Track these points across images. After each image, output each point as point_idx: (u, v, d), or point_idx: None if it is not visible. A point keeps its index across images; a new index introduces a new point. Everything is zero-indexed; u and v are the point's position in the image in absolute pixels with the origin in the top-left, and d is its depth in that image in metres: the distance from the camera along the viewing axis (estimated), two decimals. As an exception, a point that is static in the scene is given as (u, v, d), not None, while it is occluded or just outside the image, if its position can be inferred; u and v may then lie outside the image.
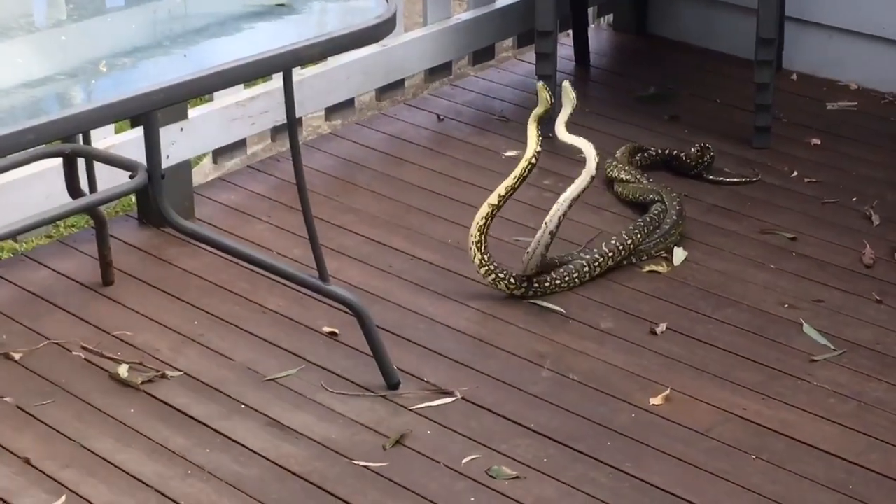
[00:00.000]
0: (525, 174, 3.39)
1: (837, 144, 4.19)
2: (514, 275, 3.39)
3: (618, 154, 3.99)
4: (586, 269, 3.46)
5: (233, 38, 2.81)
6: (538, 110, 3.41)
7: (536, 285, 3.40)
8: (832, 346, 3.23)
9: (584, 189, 3.38)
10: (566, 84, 3.44)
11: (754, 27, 4.06)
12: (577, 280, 3.45)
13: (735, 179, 3.97)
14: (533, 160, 3.37)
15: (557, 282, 3.43)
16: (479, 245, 3.38)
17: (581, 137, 3.42)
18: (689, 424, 2.98)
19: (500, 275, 3.39)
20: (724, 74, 4.62)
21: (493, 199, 3.40)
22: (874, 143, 4.19)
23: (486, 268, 3.38)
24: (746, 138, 4.17)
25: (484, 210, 3.39)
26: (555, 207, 3.38)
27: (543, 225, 3.37)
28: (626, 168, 3.89)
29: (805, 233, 3.71)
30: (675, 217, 3.64)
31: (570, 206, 3.38)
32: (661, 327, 3.29)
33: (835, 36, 4.56)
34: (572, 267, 3.46)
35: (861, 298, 3.42)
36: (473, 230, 3.38)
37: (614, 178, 3.89)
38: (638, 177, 3.85)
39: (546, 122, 3.46)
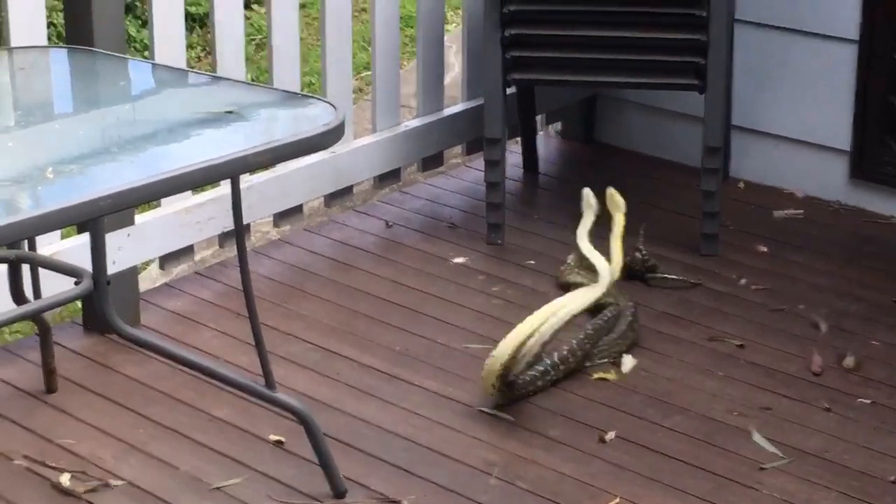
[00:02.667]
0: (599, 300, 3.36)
1: (785, 252, 4.21)
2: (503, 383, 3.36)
3: (569, 260, 4.00)
4: (538, 378, 3.44)
5: (181, 145, 2.81)
6: (589, 221, 3.35)
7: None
8: (781, 454, 3.22)
9: (588, 305, 3.34)
10: (587, 191, 3.41)
11: (701, 135, 4.10)
12: (530, 389, 3.43)
13: (674, 277, 3.99)
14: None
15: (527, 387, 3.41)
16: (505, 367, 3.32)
17: (598, 254, 3.37)
18: (639, 534, 2.97)
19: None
20: (672, 182, 4.65)
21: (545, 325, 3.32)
22: (821, 251, 4.22)
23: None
24: (694, 246, 4.19)
25: (525, 331, 3.31)
26: (550, 320, 3.32)
27: (538, 334, 3.33)
28: (581, 272, 3.90)
29: (753, 340, 3.71)
30: (630, 319, 3.64)
31: (568, 320, 3.35)
32: (611, 435, 3.28)
33: (781, 145, 4.61)
34: (527, 377, 3.44)
35: (810, 406, 3.42)
36: (510, 348, 3.28)
37: (570, 283, 3.89)
38: (593, 280, 3.87)
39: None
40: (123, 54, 3.44)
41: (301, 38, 4.21)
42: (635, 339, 3.66)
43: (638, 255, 4.01)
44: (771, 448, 3.25)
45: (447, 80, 4.69)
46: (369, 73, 4.58)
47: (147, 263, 4.69)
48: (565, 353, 3.50)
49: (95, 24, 3.48)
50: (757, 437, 3.28)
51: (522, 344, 3.30)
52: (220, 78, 3.43)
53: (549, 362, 3.47)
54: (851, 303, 3.92)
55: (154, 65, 3.44)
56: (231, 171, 2.69)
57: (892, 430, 3.33)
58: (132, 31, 6.87)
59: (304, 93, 3.76)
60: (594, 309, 3.73)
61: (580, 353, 3.51)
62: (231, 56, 3.95)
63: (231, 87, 3.23)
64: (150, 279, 4.25)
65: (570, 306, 3.35)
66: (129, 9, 6.80)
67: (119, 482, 3.09)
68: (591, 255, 3.37)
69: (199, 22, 7.27)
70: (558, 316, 3.33)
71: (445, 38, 4.63)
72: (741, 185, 4.64)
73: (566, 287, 3.91)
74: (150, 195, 2.60)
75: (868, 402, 3.44)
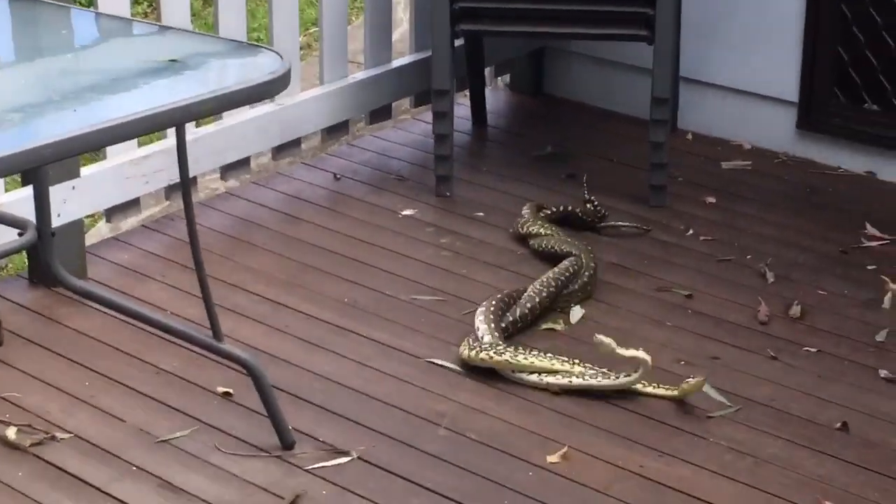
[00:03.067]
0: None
1: (732, 203, 4.22)
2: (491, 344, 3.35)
3: (525, 211, 3.99)
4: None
5: (125, 95, 2.77)
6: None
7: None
8: (728, 403, 3.24)
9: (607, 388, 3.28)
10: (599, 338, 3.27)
11: (649, 87, 4.10)
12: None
13: (626, 224, 4.00)
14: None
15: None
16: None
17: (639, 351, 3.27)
18: (587, 482, 2.97)
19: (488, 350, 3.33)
20: (621, 134, 4.65)
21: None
22: (768, 202, 4.24)
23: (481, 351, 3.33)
24: (643, 197, 4.19)
25: None
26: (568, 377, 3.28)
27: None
28: (540, 222, 3.90)
29: (701, 290, 3.72)
30: (589, 274, 3.66)
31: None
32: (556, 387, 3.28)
33: (728, 96, 4.61)
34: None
35: (756, 355, 3.44)
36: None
37: (529, 234, 3.89)
38: (555, 230, 3.87)
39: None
40: (65, 3, 3.40)
41: (249, -7, 4.18)
42: (590, 294, 3.66)
43: (589, 206, 4.02)
44: (719, 397, 3.26)
45: (395, 35, 4.66)
46: (317, 29, 4.54)
47: (95, 220, 4.65)
48: (527, 310, 3.49)
49: (37, -28, 3.44)
50: (705, 386, 3.29)
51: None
52: (165, 27, 3.39)
53: (510, 319, 3.46)
54: (799, 253, 3.93)
55: (97, 14, 3.40)
56: (176, 119, 2.66)
57: (837, 378, 3.35)
58: (77, -15, 6.79)
59: (250, 41, 3.74)
60: (550, 259, 3.75)
61: (539, 310, 3.51)
62: (177, 9, 3.91)
63: (176, 36, 3.20)
64: (98, 236, 4.21)
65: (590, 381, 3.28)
66: (73, -38, 6.72)
67: (66, 435, 3.07)
68: (632, 354, 3.24)
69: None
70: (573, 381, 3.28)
71: (394, -8, 4.61)
72: (689, 136, 4.65)
73: (524, 238, 3.91)
74: (93, 144, 2.57)
75: (814, 350, 3.46)
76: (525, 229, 3.93)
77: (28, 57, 3.02)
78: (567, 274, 3.62)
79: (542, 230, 3.89)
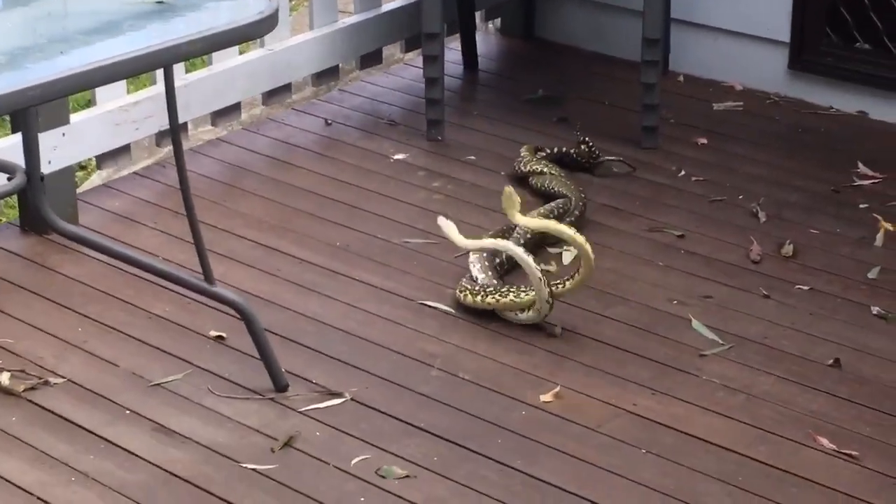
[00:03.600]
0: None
1: (724, 144, 4.21)
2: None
3: (523, 152, 3.99)
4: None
5: (113, 37, 2.75)
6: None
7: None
8: (721, 341, 3.24)
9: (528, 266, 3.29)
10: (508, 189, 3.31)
11: (640, 29, 4.08)
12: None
13: (619, 160, 4.03)
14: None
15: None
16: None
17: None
18: (580, 421, 2.97)
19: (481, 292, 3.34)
20: (612, 77, 4.64)
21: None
22: (760, 143, 4.23)
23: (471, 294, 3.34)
24: (635, 139, 4.18)
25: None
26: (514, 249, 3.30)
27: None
28: (543, 162, 3.90)
29: (693, 230, 3.72)
30: (576, 214, 3.67)
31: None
32: (558, 329, 3.28)
33: (720, 37, 4.60)
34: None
35: (748, 294, 3.44)
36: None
37: (532, 172, 3.90)
38: (557, 170, 3.89)
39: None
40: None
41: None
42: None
43: (584, 147, 4.00)
44: (711, 335, 3.26)
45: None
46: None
47: (89, 173, 4.64)
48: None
49: (23, -83, 3.41)
50: (697, 325, 3.29)
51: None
52: (152, -29, 3.36)
53: (498, 261, 3.47)
54: (790, 192, 3.93)
55: (84, -42, 3.37)
56: (164, 60, 2.65)
57: (829, 316, 3.35)
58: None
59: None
60: (547, 198, 3.75)
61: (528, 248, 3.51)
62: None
63: (163, -21, 3.17)
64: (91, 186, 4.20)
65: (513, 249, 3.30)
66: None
67: (59, 380, 3.08)
68: (523, 259, 3.28)
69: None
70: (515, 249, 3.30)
71: (385, -63, 4.58)
72: (680, 78, 4.63)
73: (524, 178, 3.90)
74: (80, 85, 2.55)
75: (806, 288, 3.46)
76: (528, 167, 3.92)
77: (14, 1, 3.00)
78: (554, 214, 3.62)
79: (544, 168, 3.89)
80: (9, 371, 3.09)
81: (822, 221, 3.77)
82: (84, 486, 2.76)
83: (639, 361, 3.18)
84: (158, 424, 2.94)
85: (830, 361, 3.17)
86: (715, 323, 3.31)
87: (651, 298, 3.41)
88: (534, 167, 3.92)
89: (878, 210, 3.79)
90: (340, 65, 4.48)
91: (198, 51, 2.69)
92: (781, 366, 3.16)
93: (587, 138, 4.02)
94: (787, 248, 3.62)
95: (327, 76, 4.45)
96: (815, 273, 3.53)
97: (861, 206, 3.84)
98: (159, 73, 3.70)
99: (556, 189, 3.80)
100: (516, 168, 3.95)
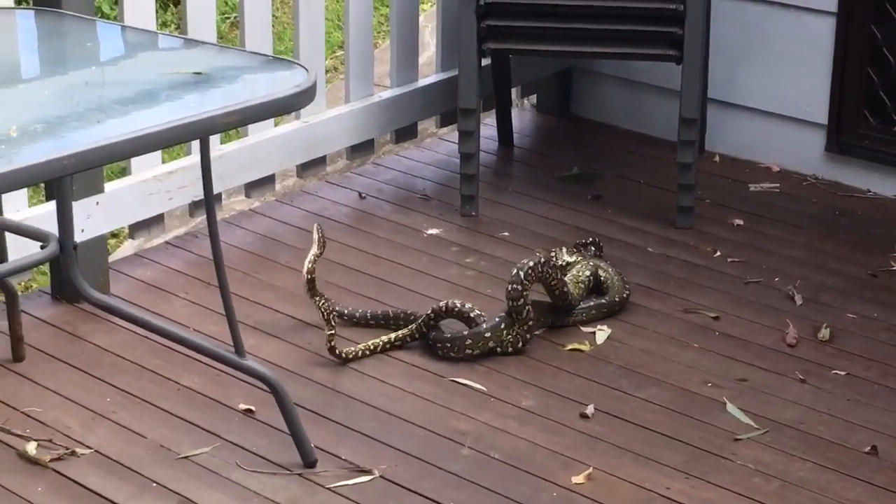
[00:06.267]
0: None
1: (760, 225, 4.18)
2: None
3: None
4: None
5: (150, 107, 2.76)
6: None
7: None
8: (756, 426, 3.20)
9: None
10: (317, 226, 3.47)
11: (677, 109, 4.07)
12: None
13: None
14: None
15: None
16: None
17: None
18: (612, 504, 2.94)
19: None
20: (648, 155, 4.62)
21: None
22: (796, 225, 4.20)
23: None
24: (669, 218, 4.16)
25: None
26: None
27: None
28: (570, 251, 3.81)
29: (728, 312, 3.68)
30: (617, 297, 3.65)
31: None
32: (590, 409, 3.24)
33: (757, 118, 4.58)
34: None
35: (784, 378, 3.40)
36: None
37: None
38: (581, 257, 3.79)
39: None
40: (91, 17, 3.39)
41: (276, 17, 4.16)
42: (612, 311, 3.63)
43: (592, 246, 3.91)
44: (746, 419, 3.22)
45: (422, 59, 4.64)
46: (343, 52, 4.53)
47: (121, 241, 4.64)
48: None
49: (63, -14, 3.43)
50: (732, 409, 3.25)
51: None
52: (190, 40, 3.37)
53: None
54: (827, 276, 3.89)
55: (123, 27, 3.38)
56: (200, 131, 2.64)
57: (866, 402, 3.30)
58: (105, 8, 6.80)
59: (276, 55, 3.72)
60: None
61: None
62: (203, 29, 3.90)
63: (202, 50, 3.18)
64: (123, 255, 4.19)
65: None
66: (100, -18, 6.74)
67: (86, 451, 3.05)
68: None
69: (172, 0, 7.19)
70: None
71: (421, 17, 4.59)
72: (717, 158, 4.61)
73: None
74: (115, 155, 2.55)
75: (843, 373, 3.42)
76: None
77: (53, 70, 3.01)
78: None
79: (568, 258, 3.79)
80: (36, 440, 3.06)
81: (860, 306, 3.73)
82: (108, 559, 2.73)
83: (672, 444, 3.14)
84: (185, 498, 2.91)
85: (868, 449, 3.12)
86: (750, 407, 3.26)
87: (685, 380, 3.37)
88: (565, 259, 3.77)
89: (916, 295, 3.76)
90: (375, 138, 4.47)
91: (234, 123, 2.68)
92: (818, 452, 3.11)
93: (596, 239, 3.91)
94: (824, 332, 3.57)
95: (362, 150, 4.44)
96: (852, 358, 3.48)
97: (899, 290, 3.81)
98: (194, 143, 3.70)
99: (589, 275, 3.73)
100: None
